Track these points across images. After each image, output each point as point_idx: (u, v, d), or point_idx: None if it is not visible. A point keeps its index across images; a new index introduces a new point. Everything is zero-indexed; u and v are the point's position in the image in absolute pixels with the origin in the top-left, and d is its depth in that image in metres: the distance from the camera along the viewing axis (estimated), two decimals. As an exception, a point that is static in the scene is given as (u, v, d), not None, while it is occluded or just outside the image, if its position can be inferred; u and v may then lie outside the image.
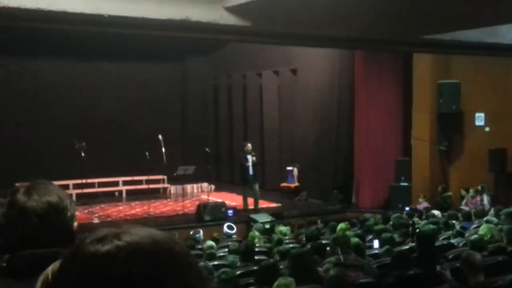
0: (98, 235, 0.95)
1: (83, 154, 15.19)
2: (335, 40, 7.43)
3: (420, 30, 7.10)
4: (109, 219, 14.51)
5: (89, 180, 16.36)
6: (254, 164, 14.77)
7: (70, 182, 16.69)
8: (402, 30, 6.94)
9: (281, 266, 6.41)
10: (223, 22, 5.57)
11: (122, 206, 16.33)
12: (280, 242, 8.83)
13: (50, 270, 1.30)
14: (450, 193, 14.66)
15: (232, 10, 5.59)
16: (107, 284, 0.89)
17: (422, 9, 5.81)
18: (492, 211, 11.31)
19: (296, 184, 17.12)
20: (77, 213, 1.93)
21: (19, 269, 1.67)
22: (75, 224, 1.82)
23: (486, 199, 13.74)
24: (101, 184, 17.39)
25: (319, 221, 12.52)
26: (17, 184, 14.86)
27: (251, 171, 14.73)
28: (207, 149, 17.02)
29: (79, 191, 16.19)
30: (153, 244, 0.95)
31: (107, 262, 0.90)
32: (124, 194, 17.63)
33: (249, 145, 15.10)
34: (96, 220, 14.10)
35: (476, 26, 7.12)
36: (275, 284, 4.58)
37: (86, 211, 14.93)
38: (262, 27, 5.90)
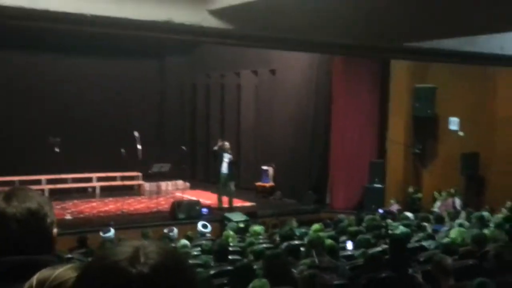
0: (126, 253, 1.00)
1: (57, 150, 15.03)
2: (314, 45, 7.48)
3: (400, 38, 7.18)
4: (82, 215, 14.39)
5: (63, 176, 16.25)
6: (230, 162, 14.80)
7: (43, 177, 16.56)
8: (382, 37, 7.01)
9: (255, 267, 6.43)
10: (206, 25, 5.57)
11: (95, 202, 16.22)
12: (252, 244, 8.84)
13: (35, 279, 1.32)
14: (420, 195, 14.84)
15: (215, 13, 5.59)
16: None
17: (402, 17, 5.88)
18: (463, 214, 11.46)
19: (271, 183, 17.19)
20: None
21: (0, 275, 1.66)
22: (55, 230, 1.82)
23: (457, 202, 13.92)
24: (74, 180, 17.27)
25: (294, 221, 12.55)
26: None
27: (226, 169, 14.75)
28: (183, 147, 17.01)
29: (52, 186, 16.07)
30: (175, 261, 1.03)
31: (151, 281, 0.97)
32: (98, 191, 17.52)
33: (227, 143, 15.12)
34: (68, 216, 13.95)
35: (456, 35, 7.23)
36: (250, 286, 4.59)
37: (58, 207, 14.72)
38: (244, 31, 5.91)
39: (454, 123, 14.81)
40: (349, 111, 15.74)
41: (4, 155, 16.52)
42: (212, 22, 5.50)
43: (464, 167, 14.17)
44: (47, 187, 16.38)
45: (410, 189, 14.86)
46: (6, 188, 1.89)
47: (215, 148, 15.08)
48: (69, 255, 8.62)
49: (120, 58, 18.79)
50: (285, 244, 8.26)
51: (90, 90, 18.57)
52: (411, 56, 10.16)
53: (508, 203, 12.36)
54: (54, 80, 18.02)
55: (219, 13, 5.55)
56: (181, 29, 5.55)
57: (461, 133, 14.70)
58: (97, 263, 1.03)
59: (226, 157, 14.72)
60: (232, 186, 14.96)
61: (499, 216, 9.83)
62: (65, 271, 1.35)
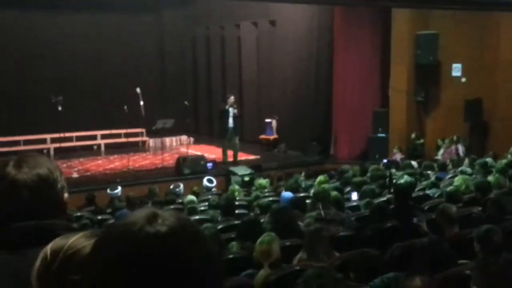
0: (145, 215, 1.01)
1: (60, 108, 15.01)
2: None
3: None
4: (88, 173, 14.49)
5: (67, 134, 16.21)
6: (235, 116, 14.73)
7: (48, 136, 16.60)
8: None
9: (262, 220, 6.51)
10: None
11: (101, 160, 16.32)
12: (257, 197, 8.91)
13: (49, 249, 1.34)
14: (422, 141, 14.89)
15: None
16: (162, 260, 0.96)
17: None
18: (466, 161, 11.50)
19: (275, 136, 17.21)
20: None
21: (12, 241, 1.67)
22: (66, 195, 1.83)
23: (461, 149, 13.97)
24: (79, 138, 17.31)
25: (303, 173, 12.62)
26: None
27: (232, 124, 14.67)
28: (185, 102, 16.94)
29: (57, 145, 16.09)
30: (193, 229, 1.04)
31: (167, 241, 0.98)
32: (102, 148, 17.60)
33: (232, 97, 14.91)
34: (75, 175, 14.05)
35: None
36: (259, 240, 4.65)
37: (64, 165, 14.83)
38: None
39: (457, 70, 14.74)
40: (351, 60, 15.65)
41: (7, 116, 16.54)
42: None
43: (468, 114, 14.18)
44: (52, 146, 16.45)
45: (413, 135, 14.88)
46: (12, 148, 1.89)
47: (226, 107, 14.70)
48: (78, 213, 8.74)
49: (117, 12, 18.54)
50: (283, 194, 8.31)
51: (88, 47, 18.35)
52: (412, 4, 10.02)
53: (512, 149, 12.40)
54: (51, 38, 17.78)
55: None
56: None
57: (463, 79, 14.65)
58: (113, 226, 1.04)
59: (231, 112, 14.63)
60: (236, 140, 14.96)
61: (502, 162, 9.84)
62: (78, 240, 1.37)
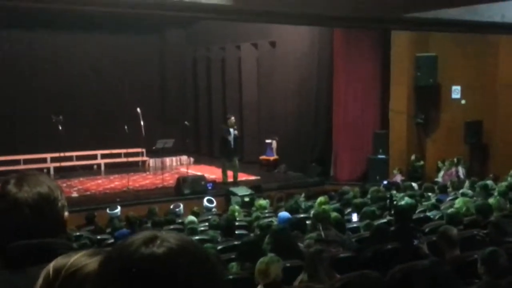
0: (142, 238, 1.00)
1: (60, 128, 15.04)
2: (312, 18, 7.40)
3: (400, 8, 7.11)
4: (88, 192, 14.46)
5: (67, 154, 16.25)
6: (236, 138, 14.77)
7: (48, 156, 16.62)
8: (381, 8, 6.94)
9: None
10: (203, 1, 5.50)
11: (101, 179, 16.29)
12: (258, 218, 8.89)
13: (51, 268, 1.34)
14: (422, 163, 14.87)
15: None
16: (158, 281, 0.95)
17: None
18: (467, 183, 11.47)
19: (275, 157, 17.19)
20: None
21: (14, 260, 1.68)
22: (66, 214, 1.83)
23: (461, 171, 13.94)
24: (79, 158, 17.32)
25: (303, 194, 12.58)
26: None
27: (232, 145, 14.72)
28: (186, 122, 16.99)
29: (57, 164, 16.10)
30: (194, 249, 1.02)
31: (163, 262, 0.97)
32: (102, 168, 17.58)
33: (233, 118, 15.03)
34: (75, 194, 14.03)
35: (456, 5, 7.17)
36: (259, 261, 4.63)
37: (64, 184, 14.77)
38: (244, 5, 5.85)
39: (456, 92, 14.78)
40: (351, 82, 15.68)
41: (8, 135, 16.56)
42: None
43: (468, 136, 14.16)
44: (52, 165, 16.45)
45: (413, 157, 14.87)
46: (12, 167, 1.90)
47: (225, 128, 14.79)
48: (78, 233, 8.71)
49: (120, 34, 18.68)
50: (281, 215, 8.28)
51: (89, 66, 18.49)
52: (411, 26, 10.07)
53: (512, 172, 12.38)
54: (52, 57, 17.93)
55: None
56: (177, 5, 5.47)
57: (463, 101, 14.68)
58: (114, 247, 1.04)
59: (232, 132, 14.67)
60: (236, 161, 14.97)
61: (503, 185, 9.82)
62: (79, 258, 1.37)
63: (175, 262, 0.97)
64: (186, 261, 0.98)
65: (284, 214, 8.29)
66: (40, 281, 1.31)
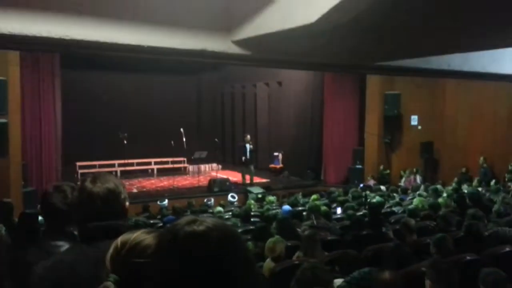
0: (187, 219, 0.98)
1: (125, 142, 15.12)
2: (312, 65, 7.42)
3: (374, 59, 7.10)
4: (144, 189, 14.48)
5: (129, 161, 16.32)
6: (251, 150, 14.79)
7: (116, 162, 16.69)
8: (361, 58, 6.94)
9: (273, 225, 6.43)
10: (230, 52, 5.54)
11: (153, 180, 16.30)
12: (268, 210, 8.82)
13: (119, 241, 1.32)
14: (388, 171, 14.75)
15: (237, 42, 5.57)
16: (199, 252, 0.92)
17: (376, 45, 5.82)
18: (422, 187, 11.37)
19: (281, 165, 17.15)
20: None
21: (88, 236, 1.69)
22: (127, 203, 1.83)
23: (418, 178, 13.82)
24: (138, 164, 17.36)
25: (301, 193, 12.52)
26: (79, 170, 14.81)
27: (248, 156, 14.76)
28: (216, 140, 17.02)
29: (123, 168, 16.17)
30: (227, 229, 0.98)
31: (202, 239, 0.93)
32: (155, 171, 17.59)
33: (248, 136, 15.12)
34: (135, 190, 14.05)
35: (414, 56, 7.15)
36: (268, 241, 4.59)
37: (127, 183, 14.79)
38: (259, 55, 5.87)
39: (414, 120, 14.70)
40: (337, 111, 15.65)
41: (88, 147, 16.68)
42: (235, 49, 5.48)
43: (423, 152, 14.09)
44: (118, 169, 16.52)
45: (381, 168, 14.75)
46: (90, 170, 1.90)
47: (242, 144, 14.97)
48: (135, 218, 8.69)
49: (170, 75, 18.78)
50: (283, 208, 8.22)
51: (148, 99, 18.59)
52: (382, 71, 10.05)
53: (455, 179, 12.25)
54: (123, 91, 18.07)
55: (239, 43, 5.53)
56: (212, 55, 5.52)
57: (419, 127, 14.58)
58: (167, 227, 1.02)
59: (248, 147, 14.74)
60: (252, 167, 14.95)
61: (449, 189, 9.72)
62: (140, 235, 1.36)
63: (211, 236, 0.94)
64: (219, 235, 0.95)
65: (286, 207, 8.23)
66: (111, 250, 1.30)
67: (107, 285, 1.21)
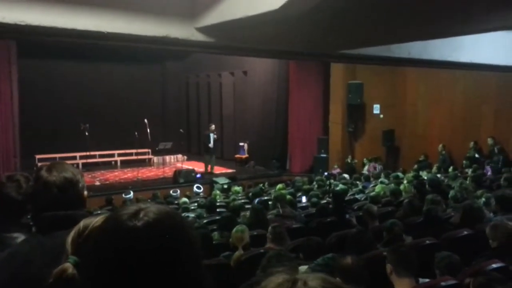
0: (130, 211, 0.93)
1: (86, 133, 14.75)
2: (277, 52, 7.40)
3: (337, 47, 7.16)
4: (107, 182, 14.20)
5: (92, 153, 15.94)
6: (215, 140, 14.76)
7: (78, 154, 16.27)
8: (324, 46, 6.99)
9: (242, 214, 6.44)
10: (194, 39, 5.46)
11: (117, 172, 16.01)
12: (234, 200, 8.82)
13: (81, 224, 1.28)
14: (356, 161, 15.01)
15: (200, 29, 5.50)
16: (137, 249, 0.88)
17: (338, 33, 5.87)
18: (384, 174, 11.58)
19: (246, 155, 17.16)
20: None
21: (44, 226, 1.64)
22: (85, 192, 1.78)
23: (378, 166, 14.10)
24: (101, 156, 16.99)
25: (266, 183, 12.57)
26: (38, 163, 14.40)
27: (212, 145, 14.75)
28: (181, 130, 16.84)
29: (84, 161, 15.79)
30: (170, 220, 0.93)
31: (140, 234, 0.89)
32: (118, 163, 17.27)
33: (213, 126, 15.11)
34: (97, 183, 13.77)
35: (375, 45, 7.25)
36: (234, 229, 4.59)
37: (89, 176, 14.55)
38: (223, 42, 5.81)
39: (376, 109, 14.97)
40: (302, 100, 15.75)
41: (48, 138, 16.18)
42: (198, 36, 5.41)
43: (384, 141, 14.36)
44: (80, 161, 16.11)
45: (349, 159, 14.95)
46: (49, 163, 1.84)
47: (207, 133, 14.95)
48: (99, 211, 8.51)
49: (132, 64, 18.41)
50: (256, 199, 8.25)
51: (110, 88, 18.17)
52: (344, 60, 10.18)
53: (415, 166, 12.58)
54: (81, 82, 17.58)
55: (203, 30, 5.47)
56: (175, 42, 5.43)
57: (381, 116, 14.87)
58: (110, 217, 0.98)
59: (211, 136, 14.72)
60: (213, 157, 14.99)
61: (409, 176, 9.96)
62: (101, 219, 1.32)
63: (151, 233, 0.89)
64: (161, 231, 0.90)
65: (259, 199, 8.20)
66: (72, 233, 1.26)
67: (65, 266, 1.17)
